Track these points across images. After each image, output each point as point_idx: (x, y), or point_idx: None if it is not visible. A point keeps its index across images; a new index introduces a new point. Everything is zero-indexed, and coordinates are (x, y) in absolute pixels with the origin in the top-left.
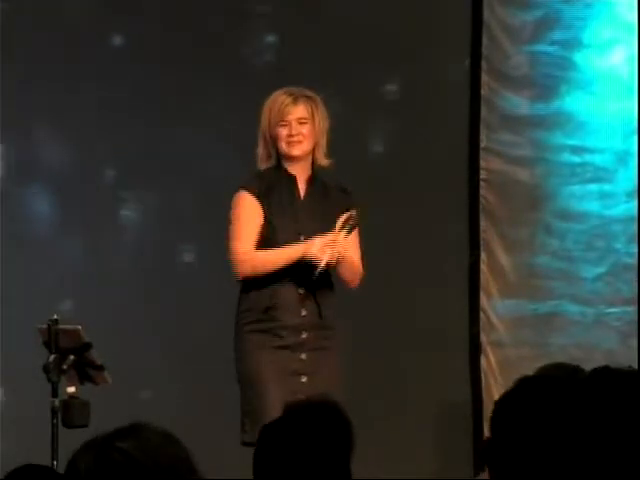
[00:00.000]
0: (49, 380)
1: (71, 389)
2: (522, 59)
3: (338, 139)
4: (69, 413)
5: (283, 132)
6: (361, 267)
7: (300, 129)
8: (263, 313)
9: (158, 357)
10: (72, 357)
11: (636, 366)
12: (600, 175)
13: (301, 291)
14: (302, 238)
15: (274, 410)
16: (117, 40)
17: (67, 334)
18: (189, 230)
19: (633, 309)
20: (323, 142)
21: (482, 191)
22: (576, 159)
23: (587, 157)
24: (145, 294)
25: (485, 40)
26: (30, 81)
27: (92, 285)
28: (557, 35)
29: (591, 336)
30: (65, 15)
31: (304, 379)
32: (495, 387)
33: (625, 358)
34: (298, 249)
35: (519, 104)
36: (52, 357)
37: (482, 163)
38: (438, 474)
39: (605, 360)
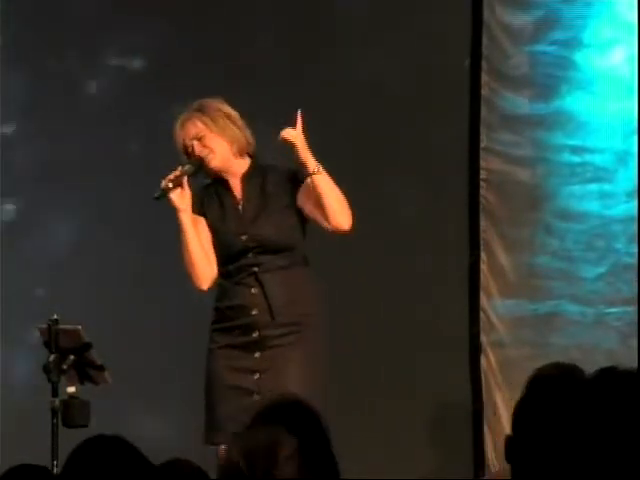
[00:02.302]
0: (49, 380)
1: (71, 389)
2: (522, 59)
3: (339, 139)
4: (69, 413)
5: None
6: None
7: (201, 144)
8: (221, 312)
9: (159, 356)
10: (72, 357)
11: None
12: (600, 175)
13: (254, 290)
14: (244, 238)
15: (223, 418)
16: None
17: (67, 334)
18: None
19: (633, 309)
20: (233, 134)
21: (482, 191)
22: (576, 159)
23: (587, 157)
24: (146, 300)
25: (485, 40)
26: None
27: (93, 285)
28: (557, 35)
29: (591, 336)
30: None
31: (256, 376)
32: (495, 387)
33: (625, 358)
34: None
35: (519, 104)
36: (52, 357)
37: (482, 163)
38: (438, 474)
39: (605, 360)
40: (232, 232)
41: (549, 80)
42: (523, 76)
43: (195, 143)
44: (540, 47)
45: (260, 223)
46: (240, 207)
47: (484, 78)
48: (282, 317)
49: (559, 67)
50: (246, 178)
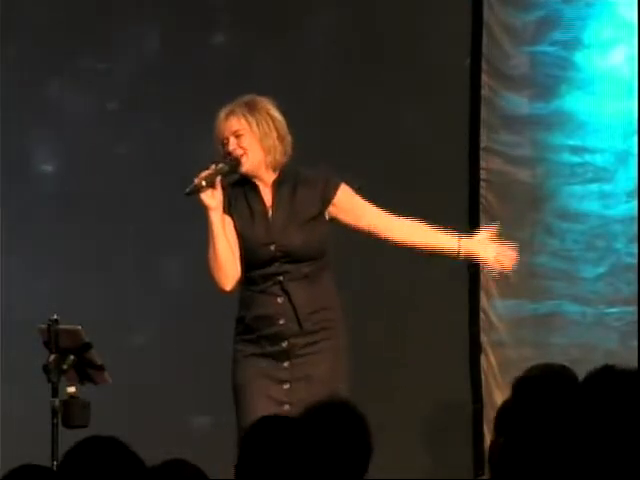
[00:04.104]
0: (49, 380)
1: (71, 389)
2: (522, 59)
3: (338, 139)
4: (69, 413)
5: (225, 151)
6: (413, 222)
7: (238, 143)
8: (247, 323)
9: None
10: (72, 357)
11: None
12: (600, 175)
13: (280, 300)
14: (272, 248)
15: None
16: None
17: (67, 334)
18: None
19: (633, 309)
20: (271, 145)
21: (482, 191)
22: (576, 159)
23: (587, 157)
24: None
25: (485, 40)
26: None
27: (92, 284)
28: (557, 35)
29: (591, 336)
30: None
31: (286, 386)
32: (495, 387)
33: (625, 358)
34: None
35: (519, 104)
36: (52, 357)
37: (482, 163)
38: (438, 474)
39: (605, 360)
40: (260, 240)
41: (549, 80)
42: (523, 76)
43: (232, 139)
44: (540, 47)
45: (289, 233)
46: (270, 215)
47: (484, 78)
48: (309, 325)
49: (559, 67)
50: (276, 185)
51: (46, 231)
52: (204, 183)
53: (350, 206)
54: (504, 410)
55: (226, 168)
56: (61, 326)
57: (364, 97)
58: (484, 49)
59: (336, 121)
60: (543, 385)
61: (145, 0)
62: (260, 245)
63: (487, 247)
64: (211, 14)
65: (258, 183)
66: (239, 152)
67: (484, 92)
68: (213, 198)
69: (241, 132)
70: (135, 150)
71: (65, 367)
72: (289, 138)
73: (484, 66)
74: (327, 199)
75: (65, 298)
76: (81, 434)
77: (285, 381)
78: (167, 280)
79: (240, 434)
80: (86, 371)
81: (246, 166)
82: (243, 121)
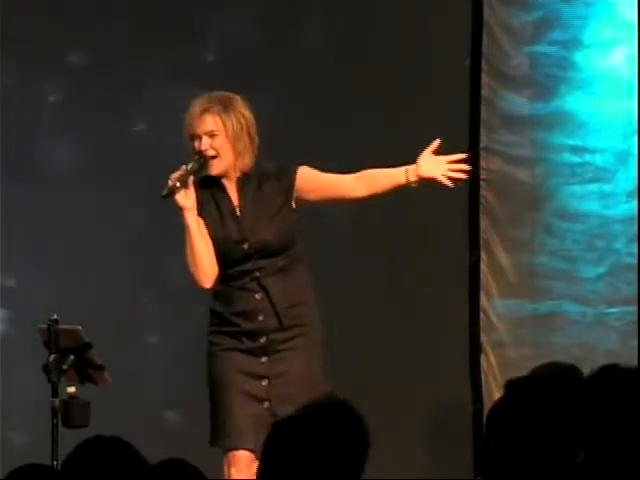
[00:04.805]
0: (49, 380)
1: (71, 389)
2: (522, 59)
3: (337, 138)
4: (69, 413)
5: (195, 146)
6: (362, 172)
7: (211, 142)
8: (225, 318)
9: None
10: (72, 357)
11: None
12: (600, 175)
13: (258, 296)
14: (246, 246)
15: (236, 421)
16: None
17: (67, 334)
18: None
19: (633, 309)
20: (243, 148)
21: (482, 191)
22: (576, 159)
23: (587, 157)
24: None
25: (485, 40)
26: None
27: (92, 284)
28: (557, 35)
29: (591, 336)
30: None
31: (265, 382)
32: (495, 387)
33: (625, 358)
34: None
35: (519, 104)
36: (52, 357)
37: (482, 163)
38: (438, 474)
39: (605, 360)
40: (232, 239)
41: (549, 80)
42: (523, 76)
43: (205, 138)
44: (540, 47)
45: (260, 229)
46: (238, 213)
47: (484, 78)
48: (287, 320)
49: (559, 67)
50: (241, 182)
51: (46, 231)
52: (178, 184)
53: (312, 185)
54: (495, 411)
55: (196, 166)
56: (61, 326)
57: (364, 97)
58: (484, 49)
59: (336, 121)
60: (535, 385)
61: None
62: (232, 244)
63: (433, 166)
64: None
65: (225, 182)
66: (211, 153)
67: (484, 92)
68: (187, 198)
69: (215, 133)
70: (135, 150)
71: (65, 367)
72: (257, 140)
73: (484, 66)
74: (290, 188)
75: (65, 298)
76: (81, 434)
77: (263, 377)
78: (167, 280)
79: (218, 429)
80: (86, 371)
81: (217, 169)
82: (218, 121)
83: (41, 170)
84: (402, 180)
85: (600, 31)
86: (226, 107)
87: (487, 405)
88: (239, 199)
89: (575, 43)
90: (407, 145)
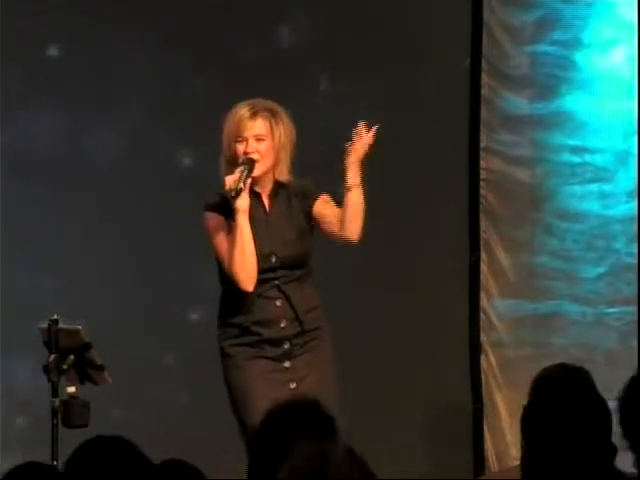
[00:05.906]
0: (49, 380)
1: (71, 389)
2: (522, 59)
3: (338, 137)
4: (69, 413)
5: (240, 149)
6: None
7: (257, 146)
8: (245, 327)
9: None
10: (72, 357)
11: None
12: (600, 175)
13: (279, 303)
14: (273, 260)
15: None
16: None
17: (67, 334)
18: None
19: (633, 309)
20: (284, 157)
21: (482, 191)
22: (576, 159)
23: (587, 157)
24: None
25: (485, 40)
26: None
27: (93, 283)
28: (557, 35)
29: (591, 336)
30: None
31: (293, 385)
32: (495, 387)
33: (625, 358)
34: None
35: (519, 104)
36: (52, 357)
37: (482, 163)
38: (438, 474)
39: (605, 360)
40: (262, 251)
41: (549, 80)
42: (523, 76)
43: (252, 141)
44: (540, 47)
45: (289, 245)
46: (269, 225)
47: (484, 78)
48: (307, 324)
49: (559, 67)
50: (274, 195)
51: (46, 231)
52: (242, 185)
53: (321, 214)
54: (527, 416)
55: (248, 168)
56: (61, 326)
57: (364, 97)
58: (484, 49)
59: (335, 120)
60: (563, 388)
61: None
62: (261, 256)
63: (357, 157)
64: None
65: (258, 190)
66: (256, 157)
67: (484, 92)
68: (244, 200)
69: (263, 137)
70: (135, 149)
71: (65, 367)
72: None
73: (484, 66)
74: (309, 212)
75: (65, 298)
76: (81, 434)
77: (290, 381)
78: (167, 280)
79: (247, 437)
80: (86, 371)
81: (258, 171)
82: (269, 127)
83: (41, 170)
84: (353, 193)
85: (600, 31)
86: (274, 115)
87: (487, 405)
88: (270, 208)
89: (575, 43)
90: (407, 145)
